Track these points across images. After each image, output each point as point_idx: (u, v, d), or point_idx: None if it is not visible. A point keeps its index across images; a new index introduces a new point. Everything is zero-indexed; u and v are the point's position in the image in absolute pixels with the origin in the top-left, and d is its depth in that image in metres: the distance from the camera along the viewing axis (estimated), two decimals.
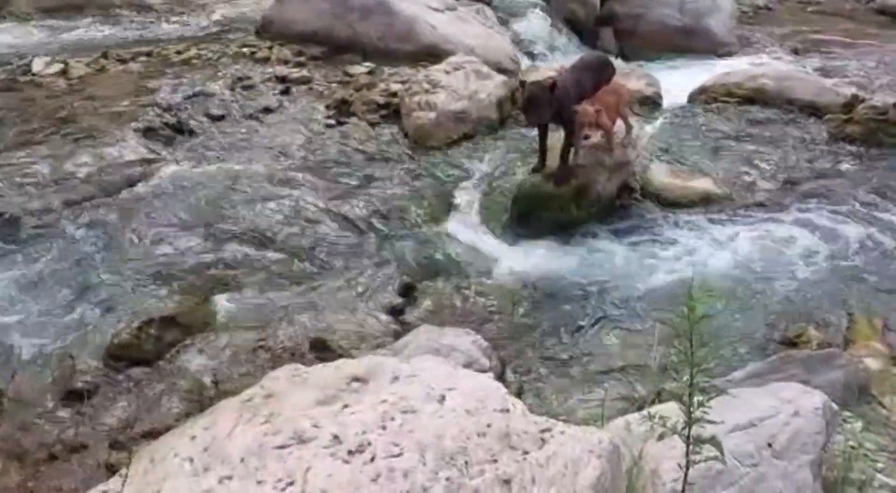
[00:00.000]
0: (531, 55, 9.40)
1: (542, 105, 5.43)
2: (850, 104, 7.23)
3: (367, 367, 2.93)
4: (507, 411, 2.63)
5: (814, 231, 5.79)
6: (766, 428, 2.72)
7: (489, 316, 4.91)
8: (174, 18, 9.83)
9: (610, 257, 5.54)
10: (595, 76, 5.83)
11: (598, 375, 4.37)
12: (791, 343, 4.47)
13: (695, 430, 2.15)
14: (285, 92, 7.46)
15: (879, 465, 3.13)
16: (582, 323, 4.88)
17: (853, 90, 7.75)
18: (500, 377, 4.07)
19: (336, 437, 2.55)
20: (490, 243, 5.71)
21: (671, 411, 2.35)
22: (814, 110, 7.50)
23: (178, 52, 8.26)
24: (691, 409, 2.13)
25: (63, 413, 3.88)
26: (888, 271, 5.38)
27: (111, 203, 5.65)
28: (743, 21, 11.37)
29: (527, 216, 5.76)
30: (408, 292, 5.09)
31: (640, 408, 3.52)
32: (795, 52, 10.35)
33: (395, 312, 4.88)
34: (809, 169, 6.67)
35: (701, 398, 2.10)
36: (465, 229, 5.88)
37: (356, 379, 2.86)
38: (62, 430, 3.76)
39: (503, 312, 4.95)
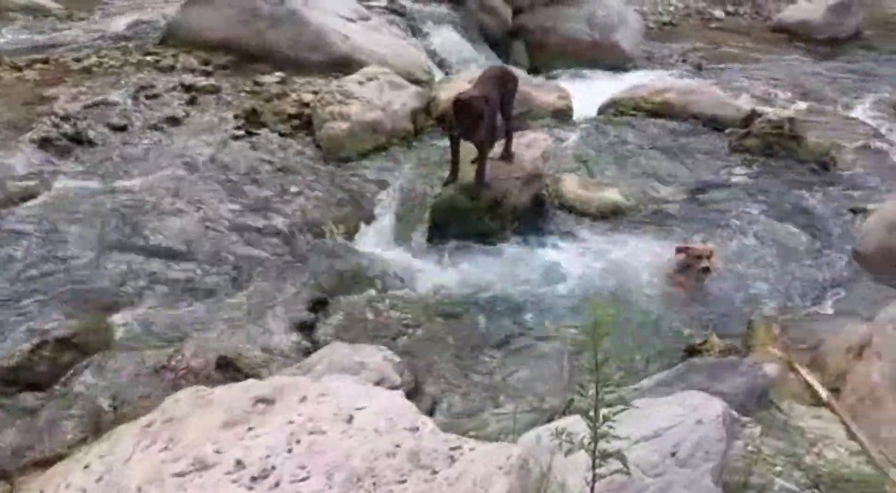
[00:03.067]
0: (444, 67, 9.45)
1: (475, 117, 5.36)
2: (749, 118, 7.59)
3: (274, 387, 2.85)
4: (417, 429, 2.60)
5: (714, 240, 5.99)
6: (670, 438, 2.78)
7: (403, 330, 4.86)
8: (73, 24, 9.41)
9: (522, 269, 5.59)
10: (499, 88, 5.86)
11: (511, 387, 4.39)
12: (695, 351, 4.59)
13: (601, 444, 2.17)
14: (191, 102, 7.21)
15: (777, 468, 3.21)
16: (495, 335, 4.90)
17: (752, 105, 8.12)
18: (414, 392, 4.04)
19: (239, 462, 2.47)
20: (404, 256, 5.69)
21: (579, 424, 2.36)
22: (716, 124, 7.86)
23: (78, 60, 7.91)
24: (597, 424, 2.14)
25: None
26: (784, 278, 5.62)
27: (3, 218, 5.33)
28: (649, 36, 11.77)
29: (442, 228, 5.77)
30: (318, 307, 5.00)
31: (550, 419, 3.55)
32: (699, 67, 10.78)
33: (306, 328, 4.78)
34: (711, 180, 6.95)
35: (606, 413, 2.12)
36: (379, 242, 5.84)
37: (262, 400, 2.78)
38: None
39: (417, 325, 4.92)
